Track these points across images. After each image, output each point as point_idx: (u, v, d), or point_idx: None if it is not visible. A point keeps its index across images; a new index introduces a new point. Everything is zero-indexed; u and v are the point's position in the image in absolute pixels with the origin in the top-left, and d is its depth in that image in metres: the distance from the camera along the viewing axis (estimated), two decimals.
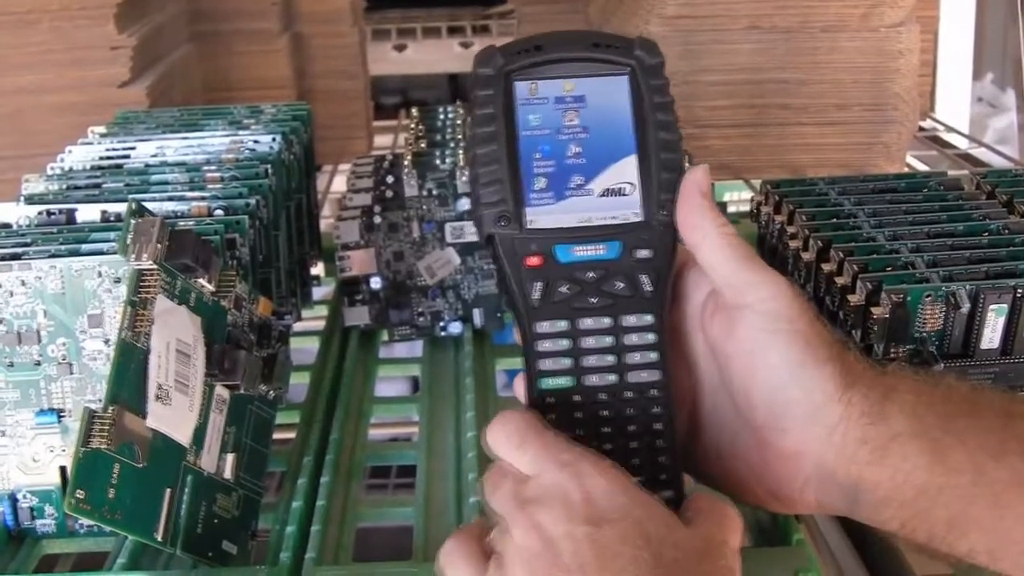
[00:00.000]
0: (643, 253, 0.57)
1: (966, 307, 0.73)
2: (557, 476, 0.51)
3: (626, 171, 0.58)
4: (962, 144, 1.82)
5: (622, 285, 0.57)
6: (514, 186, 0.57)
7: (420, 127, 1.09)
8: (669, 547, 0.49)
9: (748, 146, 1.48)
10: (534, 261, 0.57)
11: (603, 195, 0.58)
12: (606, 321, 0.57)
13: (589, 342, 0.57)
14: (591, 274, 0.57)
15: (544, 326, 0.57)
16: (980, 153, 1.78)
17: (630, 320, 0.57)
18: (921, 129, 1.84)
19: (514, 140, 0.58)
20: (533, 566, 0.49)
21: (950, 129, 1.89)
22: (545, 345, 0.57)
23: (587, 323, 0.57)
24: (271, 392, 0.72)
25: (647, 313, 0.57)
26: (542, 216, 0.57)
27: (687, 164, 0.90)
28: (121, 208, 0.75)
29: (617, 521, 0.49)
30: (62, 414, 0.69)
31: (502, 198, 0.57)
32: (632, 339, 0.57)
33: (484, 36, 2.63)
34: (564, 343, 0.57)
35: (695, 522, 0.52)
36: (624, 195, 0.58)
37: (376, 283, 0.95)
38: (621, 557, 0.48)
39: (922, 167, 1.67)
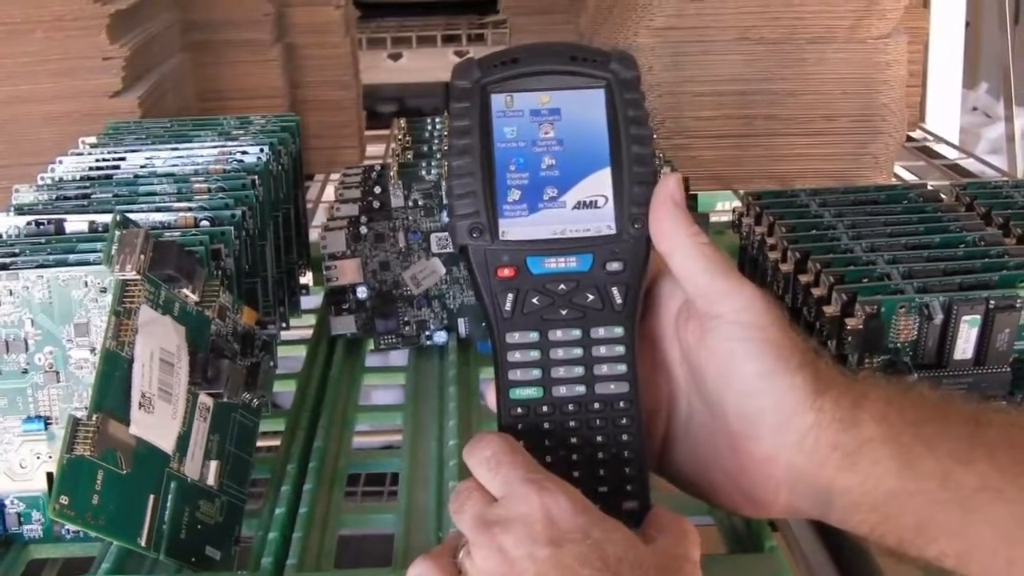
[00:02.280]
0: (614, 266, 0.58)
1: (939, 318, 0.74)
2: (521, 498, 0.52)
3: (600, 184, 0.59)
4: (951, 155, 1.83)
5: (593, 297, 0.58)
6: (488, 198, 0.58)
7: (407, 138, 1.10)
8: (628, 566, 0.50)
9: (736, 156, 1.49)
10: (506, 272, 0.58)
11: (576, 207, 0.58)
12: (576, 333, 0.58)
13: (559, 353, 0.58)
14: (562, 286, 0.58)
15: (515, 337, 0.58)
16: (969, 164, 1.79)
17: (600, 332, 0.58)
18: (911, 139, 1.85)
19: (489, 152, 0.58)
20: None
21: (939, 139, 1.90)
22: (515, 356, 0.58)
23: (557, 335, 0.58)
24: (255, 400, 0.73)
25: (617, 326, 0.58)
26: (515, 228, 0.58)
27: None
28: (109, 219, 0.76)
29: (578, 542, 0.50)
30: (49, 421, 0.70)
31: (476, 210, 0.58)
32: (601, 351, 0.58)
33: (479, 45, 2.65)
34: (534, 354, 0.58)
35: (655, 538, 0.53)
36: (597, 207, 0.58)
37: (362, 292, 0.96)
38: None
39: (911, 177, 1.68)
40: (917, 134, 1.92)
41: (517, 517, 0.51)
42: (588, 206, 0.59)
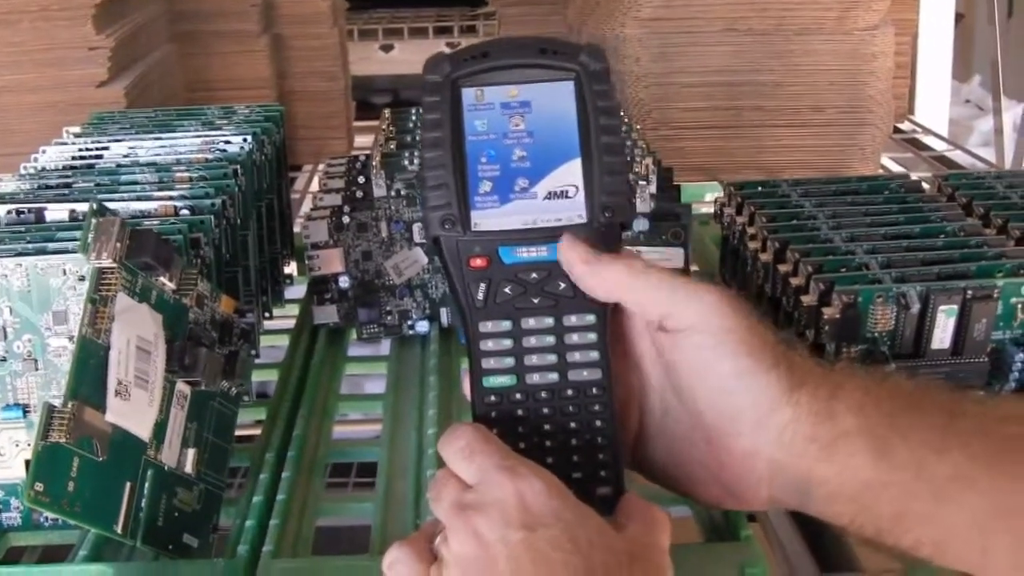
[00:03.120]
0: None
1: (916, 308, 0.74)
2: (495, 484, 0.52)
3: (570, 174, 0.59)
4: (940, 147, 1.83)
5: (564, 285, 0.58)
6: (460, 190, 0.59)
7: (391, 128, 1.10)
8: (599, 551, 0.51)
9: (723, 148, 1.49)
10: (479, 263, 0.59)
11: (547, 198, 0.59)
12: (548, 321, 0.58)
13: (531, 341, 0.58)
14: (534, 275, 0.59)
15: (488, 326, 0.58)
16: (957, 156, 1.79)
17: (571, 320, 0.58)
18: (899, 131, 1.85)
19: (460, 145, 0.59)
20: (469, 571, 0.51)
21: (928, 131, 1.90)
22: (488, 344, 0.58)
23: (530, 323, 0.58)
24: (233, 388, 0.74)
25: (588, 313, 0.59)
26: (487, 219, 0.59)
27: (653, 166, 0.92)
28: None
29: (550, 526, 0.50)
30: (27, 409, 0.70)
31: (448, 202, 0.58)
32: (573, 339, 0.58)
33: (471, 36, 2.64)
34: (507, 343, 0.58)
35: (625, 526, 0.54)
36: (568, 197, 0.59)
37: (344, 282, 0.96)
38: (553, 562, 0.50)
39: (899, 169, 1.68)
40: (906, 126, 1.93)
41: (491, 502, 0.52)
42: (559, 196, 0.59)
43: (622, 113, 1.10)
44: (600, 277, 0.58)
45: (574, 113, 0.60)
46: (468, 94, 0.60)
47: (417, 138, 1.08)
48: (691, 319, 0.56)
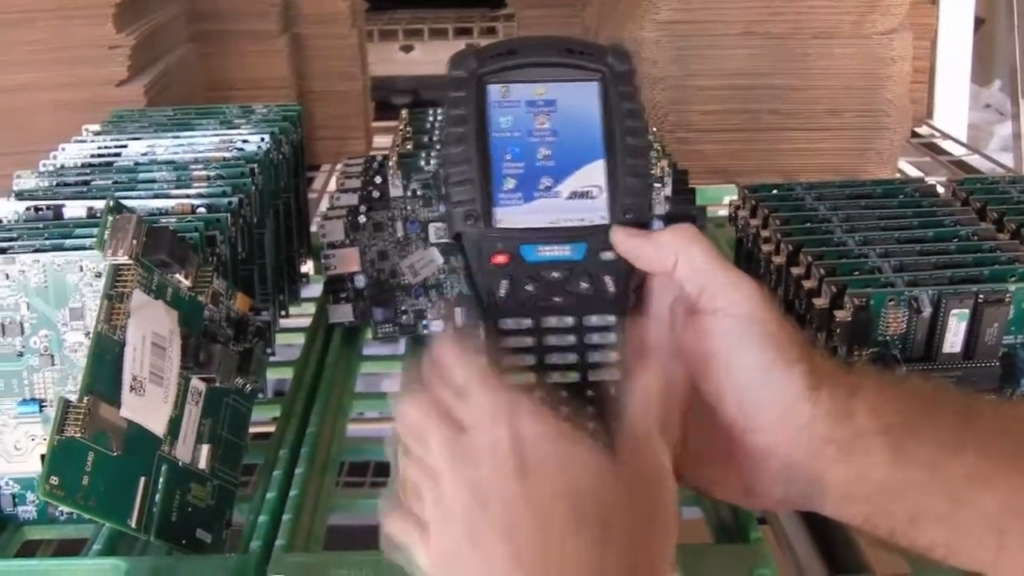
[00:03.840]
0: (608, 255, 0.59)
1: (928, 311, 0.75)
2: (490, 428, 0.52)
3: (594, 175, 0.59)
4: (958, 151, 1.83)
5: (586, 285, 0.59)
6: (483, 186, 0.58)
7: (408, 128, 1.11)
8: (604, 490, 0.51)
9: (740, 151, 1.49)
10: (501, 259, 0.58)
11: (570, 197, 0.59)
12: (569, 320, 0.58)
13: (551, 340, 0.58)
14: (556, 274, 0.58)
15: (508, 323, 0.58)
16: (975, 161, 1.79)
17: (593, 320, 0.58)
18: (917, 135, 1.85)
19: (485, 141, 0.59)
20: (466, 524, 0.51)
21: (946, 136, 1.90)
22: (509, 342, 0.58)
23: (551, 321, 0.58)
24: (247, 385, 0.74)
25: (610, 313, 0.59)
26: (510, 216, 0.59)
27: (668, 168, 0.93)
28: None
29: (548, 475, 0.50)
30: (44, 404, 0.71)
31: (471, 197, 0.58)
32: (594, 338, 0.58)
33: (491, 37, 2.65)
34: (528, 340, 0.58)
35: (627, 459, 0.53)
36: (591, 198, 0.59)
37: (360, 281, 0.96)
38: (554, 512, 0.50)
39: (916, 173, 1.68)
40: (924, 130, 1.92)
41: (487, 450, 0.51)
42: (582, 196, 0.59)
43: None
44: (656, 243, 0.58)
45: (599, 114, 0.60)
46: (494, 90, 0.60)
47: (435, 138, 1.08)
48: (723, 302, 0.56)
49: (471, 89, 0.59)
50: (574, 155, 0.60)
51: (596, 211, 0.59)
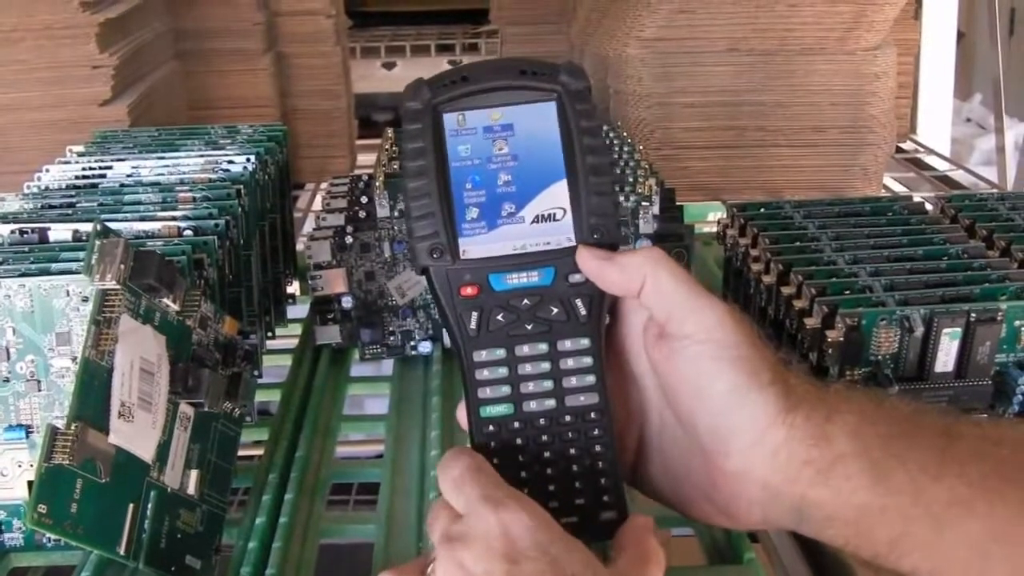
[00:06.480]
0: (576, 278, 0.59)
1: (920, 331, 0.74)
2: (480, 516, 0.52)
3: (557, 196, 0.59)
4: (942, 167, 1.83)
5: (557, 310, 0.58)
6: (446, 218, 0.58)
7: (394, 148, 1.10)
8: None
9: (725, 168, 1.50)
10: (469, 291, 0.58)
11: (535, 221, 0.59)
12: (542, 347, 0.58)
13: (527, 368, 0.58)
14: (526, 301, 0.58)
15: (482, 355, 0.58)
16: (959, 176, 1.79)
17: (566, 345, 0.58)
18: (901, 151, 1.85)
19: (445, 172, 0.59)
20: None
21: (930, 151, 1.90)
22: (484, 373, 0.58)
23: (524, 350, 0.58)
24: (236, 410, 0.73)
25: (583, 337, 0.58)
26: (475, 246, 0.58)
27: (655, 186, 0.92)
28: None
29: (535, 559, 0.50)
30: (30, 430, 0.70)
31: (435, 231, 0.58)
32: (569, 363, 0.58)
33: (473, 54, 2.65)
34: (502, 371, 0.58)
35: (616, 559, 0.54)
36: (556, 220, 0.59)
37: (347, 302, 0.96)
38: None
39: (901, 189, 1.68)
40: (908, 145, 1.93)
41: (477, 534, 0.51)
42: (547, 219, 0.59)
43: (615, 131, 1.10)
44: (621, 266, 0.57)
45: (557, 134, 0.59)
46: (450, 119, 0.59)
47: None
48: (693, 327, 0.56)
49: (427, 120, 0.59)
50: (535, 178, 0.59)
51: (562, 233, 0.59)
